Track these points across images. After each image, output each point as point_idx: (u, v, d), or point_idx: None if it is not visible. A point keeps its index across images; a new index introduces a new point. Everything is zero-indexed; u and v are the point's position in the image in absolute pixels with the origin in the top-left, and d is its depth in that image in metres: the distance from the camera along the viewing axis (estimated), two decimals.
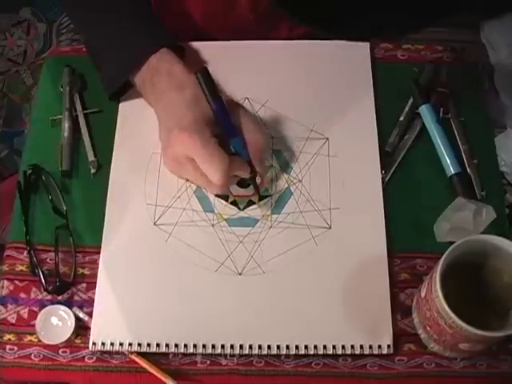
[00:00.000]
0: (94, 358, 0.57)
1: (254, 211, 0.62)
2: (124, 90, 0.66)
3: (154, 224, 0.61)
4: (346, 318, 0.57)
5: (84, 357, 0.57)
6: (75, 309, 0.58)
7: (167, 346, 0.56)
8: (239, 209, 0.62)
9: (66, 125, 0.67)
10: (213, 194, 0.62)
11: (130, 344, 0.56)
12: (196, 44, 0.70)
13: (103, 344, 0.56)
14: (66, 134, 0.66)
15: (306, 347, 0.56)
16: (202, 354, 0.57)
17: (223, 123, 0.58)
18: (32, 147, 0.67)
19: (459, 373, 0.56)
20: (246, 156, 0.58)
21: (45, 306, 0.58)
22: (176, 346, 0.56)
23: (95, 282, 0.59)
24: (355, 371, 0.56)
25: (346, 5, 0.38)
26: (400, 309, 0.58)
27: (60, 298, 0.59)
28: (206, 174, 0.56)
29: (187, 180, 0.63)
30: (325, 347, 0.56)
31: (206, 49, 0.70)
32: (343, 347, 0.56)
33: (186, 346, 0.56)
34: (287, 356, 0.57)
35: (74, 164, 0.66)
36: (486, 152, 0.66)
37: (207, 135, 0.56)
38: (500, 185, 0.67)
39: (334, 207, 0.62)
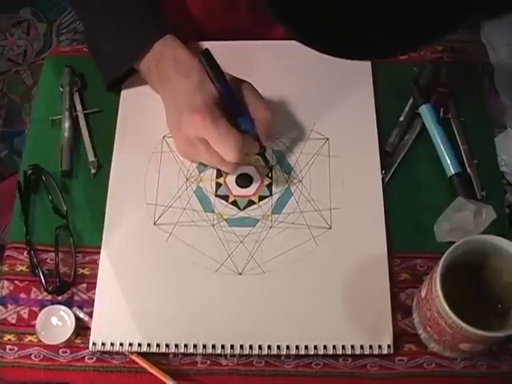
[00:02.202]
0: (94, 358, 0.57)
1: (254, 211, 0.62)
2: (122, 79, 0.66)
3: (154, 224, 0.61)
4: (346, 317, 0.57)
5: (84, 357, 0.57)
6: (75, 309, 0.58)
7: (167, 346, 0.56)
8: (239, 209, 0.62)
9: (66, 125, 0.67)
10: (228, 172, 0.62)
11: (130, 344, 0.56)
12: (196, 44, 0.70)
13: (103, 344, 0.56)
14: (66, 134, 0.66)
15: (306, 347, 0.56)
16: (202, 354, 0.57)
17: (229, 102, 0.59)
18: (32, 147, 0.67)
19: (459, 373, 0.56)
20: (254, 133, 0.60)
21: (45, 306, 0.58)
22: (176, 346, 0.56)
23: (95, 282, 0.59)
24: (355, 371, 0.56)
25: (349, 22, 0.37)
26: (400, 309, 0.58)
27: (60, 298, 0.59)
28: (220, 153, 0.57)
29: (199, 163, 0.63)
30: (325, 347, 0.56)
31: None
32: (343, 347, 0.56)
33: (186, 346, 0.56)
34: (287, 356, 0.57)
35: (73, 164, 0.66)
36: (486, 152, 0.66)
37: (217, 115, 0.57)
38: (500, 185, 0.67)
39: (334, 207, 0.62)
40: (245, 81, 0.61)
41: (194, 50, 0.61)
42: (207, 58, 0.58)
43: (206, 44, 0.70)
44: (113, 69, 0.65)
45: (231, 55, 0.69)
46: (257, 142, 0.60)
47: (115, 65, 0.64)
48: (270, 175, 0.64)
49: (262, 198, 0.63)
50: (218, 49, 0.70)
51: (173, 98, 0.61)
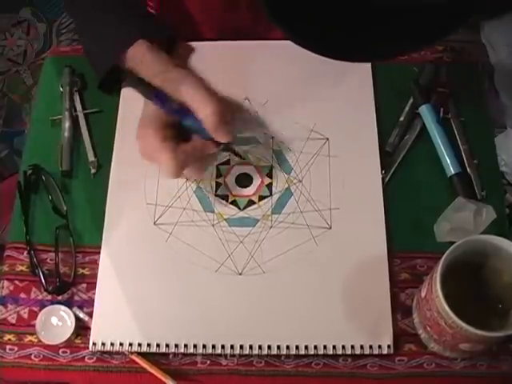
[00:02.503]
0: (94, 358, 0.57)
1: (254, 211, 0.62)
2: (120, 81, 0.66)
3: (154, 224, 0.61)
4: (346, 317, 0.57)
5: (84, 357, 0.57)
6: (75, 309, 0.58)
7: (167, 346, 0.56)
8: (239, 209, 0.62)
9: (66, 125, 0.67)
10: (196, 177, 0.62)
11: (130, 344, 0.56)
12: (196, 44, 0.70)
13: (103, 344, 0.56)
14: (66, 133, 0.66)
15: (306, 347, 0.56)
16: (202, 354, 0.57)
17: (168, 112, 0.57)
18: (32, 147, 0.67)
19: (459, 373, 0.56)
20: (205, 133, 0.56)
21: (45, 306, 0.58)
22: (176, 346, 0.56)
23: (95, 282, 0.59)
24: (355, 371, 0.56)
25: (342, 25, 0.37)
26: (400, 309, 0.58)
27: (60, 298, 0.59)
28: (162, 168, 0.57)
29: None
30: (325, 347, 0.56)
31: (205, 49, 0.70)
32: (343, 347, 0.56)
33: (186, 346, 0.56)
34: (287, 356, 0.57)
35: (73, 164, 0.66)
36: (486, 152, 0.66)
37: (152, 131, 0.56)
38: (500, 185, 0.67)
39: (334, 207, 0.62)
40: (189, 78, 0.57)
41: (186, 52, 0.61)
42: (131, 83, 0.58)
43: (206, 44, 0.70)
44: (98, 69, 0.63)
45: (231, 55, 0.69)
46: (210, 141, 0.57)
47: (100, 65, 0.62)
48: (270, 175, 0.64)
49: (261, 198, 0.63)
50: (218, 49, 0.70)
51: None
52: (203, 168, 0.60)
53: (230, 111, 0.60)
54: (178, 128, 0.58)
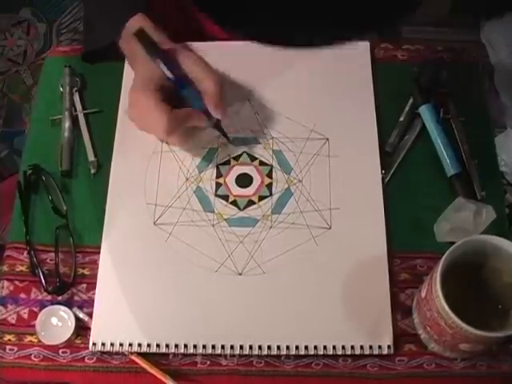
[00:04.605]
0: (94, 358, 0.57)
1: (254, 211, 0.62)
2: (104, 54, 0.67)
3: (154, 224, 0.61)
4: (346, 318, 0.57)
5: (84, 357, 0.57)
6: (75, 309, 0.58)
7: (167, 346, 0.56)
8: (239, 209, 0.62)
9: (66, 125, 0.67)
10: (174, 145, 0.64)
11: (130, 344, 0.56)
12: (196, 44, 0.70)
13: (103, 344, 0.56)
14: (66, 133, 0.66)
15: (306, 347, 0.56)
16: (202, 355, 0.57)
17: (168, 77, 0.59)
18: (32, 147, 0.67)
19: (459, 373, 0.56)
20: (199, 106, 0.60)
21: (45, 306, 0.58)
22: (176, 346, 0.56)
23: (95, 283, 0.59)
24: (355, 371, 0.56)
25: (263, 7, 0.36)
26: (400, 309, 0.58)
27: (60, 298, 0.59)
28: (151, 130, 0.61)
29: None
30: (325, 347, 0.56)
31: (205, 49, 0.70)
32: (343, 347, 0.56)
33: (186, 346, 0.56)
34: (287, 356, 0.57)
35: (73, 164, 0.66)
36: (486, 152, 0.66)
37: (149, 92, 0.58)
38: (500, 185, 0.67)
39: (334, 207, 0.62)
40: (191, 51, 0.62)
41: (186, 52, 0.62)
42: (140, 37, 0.59)
43: (206, 44, 0.70)
44: (95, 41, 0.66)
45: (231, 55, 0.69)
46: (204, 114, 0.60)
47: (98, 38, 0.65)
48: (270, 175, 0.64)
49: (261, 198, 0.63)
50: (218, 49, 0.70)
51: (134, 74, 0.62)
52: (188, 139, 0.63)
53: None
54: (171, 96, 0.60)
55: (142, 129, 0.63)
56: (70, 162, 0.65)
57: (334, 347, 0.56)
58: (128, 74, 0.68)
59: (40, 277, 0.59)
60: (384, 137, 0.66)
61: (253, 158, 0.65)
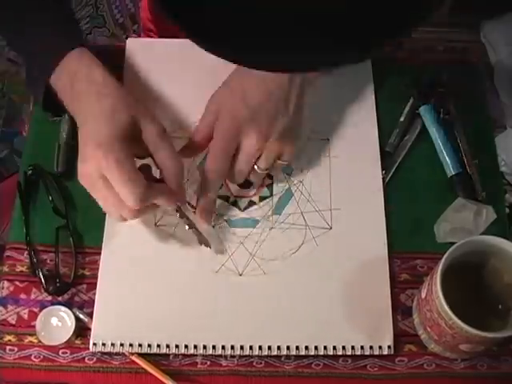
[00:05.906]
0: (95, 358, 0.57)
1: (254, 212, 0.62)
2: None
3: (155, 225, 0.61)
4: (347, 318, 0.57)
5: (84, 358, 0.57)
6: (75, 309, 0.58)
7: (168, 346, 0.56)
8: (240, 209, 0.62)
9: (66, 125, 0.67)
10: (125, 218, 0.54)
11: (131, 345, 0.56)
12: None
13: (103, 345, 0.56)
14: (64, 134, 0.66)
15: (306, 348, 0.56)
16: (203, 355, 0.57)
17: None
18: (32, 147, 0.67)
19: (460, 374, 0.56)
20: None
21: (45, 306, 0.58)
22: (176, 346, 0.56)
23: (95, 283, 0.59)
24: (355, 372, 0.56)
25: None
26: (400, 309, 0.58)
27: (60, 298, 0.59)
28: (121, 196, 0.51)
29: (99, 200, 0.54)
30: (325, 348, 0.56)
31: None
32: (343, 348, 0.56)
33: (186, 346, 0.56)
34: (287, 357, 0.57)
35: (73, 164, 0.65)
36: (486, 152, 0.66)
37: (124, 154, 0.51)
38: (500, 185, 0.67)
39: (335, 208, 0.62)
40: (155, 122, 0.55)
41: (110, 69, 0.57)
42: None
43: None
44: (33, 88, 0.59)
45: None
46: (174, 194, 0.55)
47: (35, 82, 0.58)
48: (270, 176, 0.64)
49: (262, 199, 0.63)
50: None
51: (84, 123, 0.54)
52: (146, 212, 0.55)
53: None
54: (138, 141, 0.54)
55: (96, 194, 0.54)
56: (69, 163, 0.65)
57: (334, 347, 0.56)
58: (128, 75, 0.68)
59: (40, 277, 0.59)
60: (384, 137, 0.66)
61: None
